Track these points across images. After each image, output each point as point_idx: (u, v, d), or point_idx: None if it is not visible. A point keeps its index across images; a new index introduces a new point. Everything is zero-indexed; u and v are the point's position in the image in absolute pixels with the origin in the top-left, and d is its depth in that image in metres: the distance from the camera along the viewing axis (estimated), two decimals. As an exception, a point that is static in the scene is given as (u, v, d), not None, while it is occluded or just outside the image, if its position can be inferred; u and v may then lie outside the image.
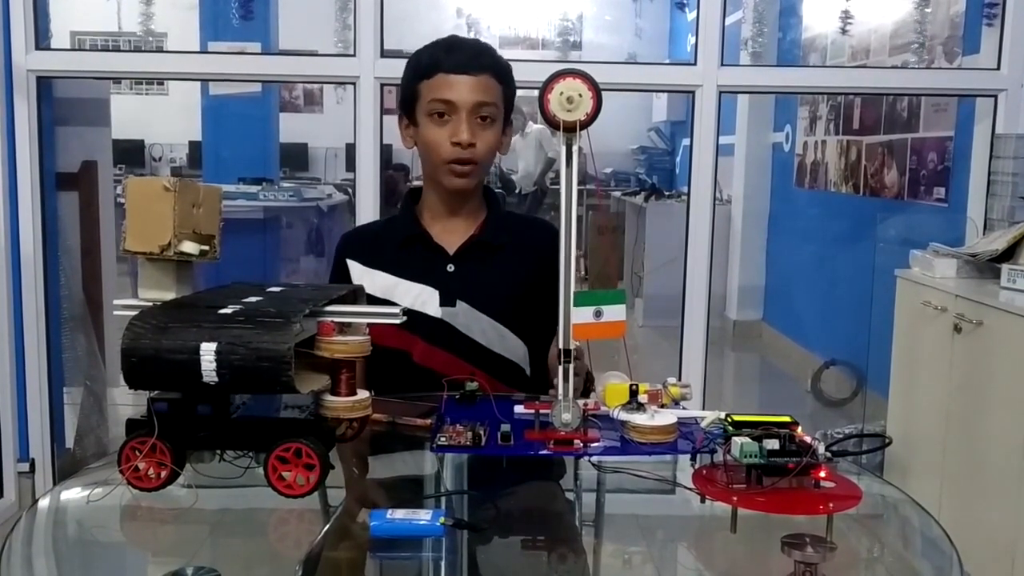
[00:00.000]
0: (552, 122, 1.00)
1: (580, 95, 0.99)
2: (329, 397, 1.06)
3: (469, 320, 1.55)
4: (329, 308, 1.07)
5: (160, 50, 3.01)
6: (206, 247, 1.10)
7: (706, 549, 1.09)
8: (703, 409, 2.89)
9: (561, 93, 1.00)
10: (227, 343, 0.93)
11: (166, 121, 8.64)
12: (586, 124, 1.00)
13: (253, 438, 1.02)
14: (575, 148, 1.02)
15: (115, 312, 1.08)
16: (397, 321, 1.08)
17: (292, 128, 7.97)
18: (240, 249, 5.32)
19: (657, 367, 3.00)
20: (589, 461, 1.11)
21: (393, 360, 1.55)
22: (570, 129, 1.00)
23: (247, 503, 1.15)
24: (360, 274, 1.60)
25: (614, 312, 1.05)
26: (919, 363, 2.82)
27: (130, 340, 0.94)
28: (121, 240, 1.06)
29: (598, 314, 1.04)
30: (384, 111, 2.80)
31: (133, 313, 1.00)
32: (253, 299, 1.05)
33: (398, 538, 0.93)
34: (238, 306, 1.00)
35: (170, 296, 1.08)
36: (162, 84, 8.83)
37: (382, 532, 0.92)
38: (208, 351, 0.93)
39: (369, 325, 1.58)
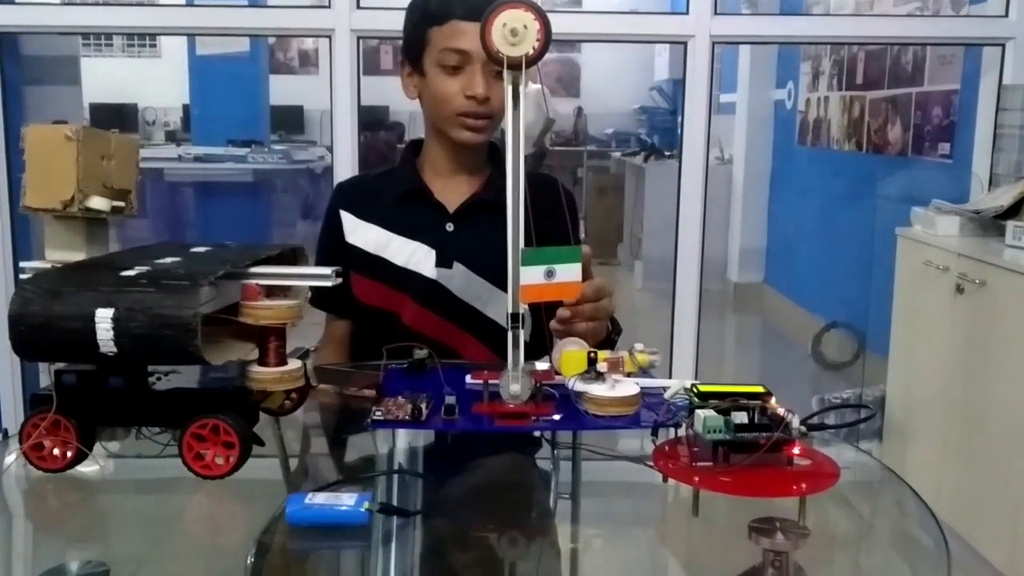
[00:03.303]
0: (495, 58, 0.89)
1: (525, 27, 0.88)
2: (256, 368, 0.96)
3: (465, 283, 1.45)
4: (253, 269, 0.97)
5: (129, 5, 2.88)
6: (121, 203, 1.00)
7: (668, 534, 0.99)
8: (695, 377, 2.80)
9: (504, 24, 0.88)
10: (126, 309, 0.83)
11: (161, 84, 8.49)
12: (532, 61, 0.89)
13: (168, 413, 0.93)
14: (522, 88, 0.91)
15: (21, 276, 0.98)
16: (328, 283, 0.98)
17: (287, 90, 7.82)
18: (229, 213, 5.23)
19: (657, 331, 2.90)
20: (542, 437, 1.01)
21: (382, 322, 1.45)
22: (515, 66, 0.89)
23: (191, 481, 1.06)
24: (353, 227, 1.50)
25: (568, 272, 0.95)
26: (920, 324, 2.71)
27: (18, 306, 0.84)
28: (21, 195, 0.96)
29: (550, 274, 0.94)
30: (381, 70, 2.68)
31: (34, 276, 0.91)
32: (168, 260, 0.95)
33: (316, 526, 0.83)
34: (145, 268, 0.90)
35: (80, 257, 0.98)
36: (155, 46, 8.68)
37: (298, 519, 0.82)
38: (104, 318, 0.83)
39: (356, 282, 1.49)
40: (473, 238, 1.45)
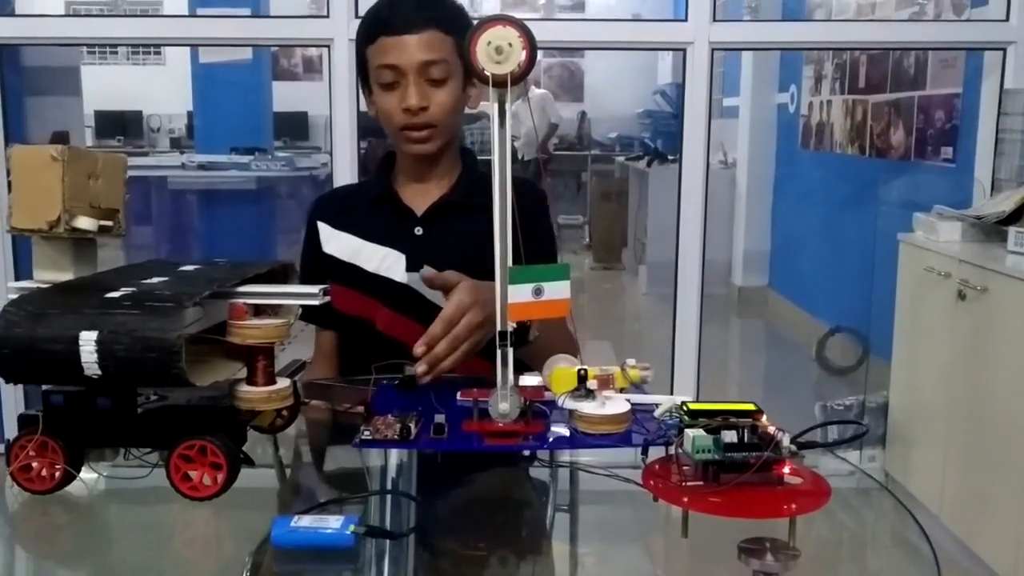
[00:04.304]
0: (480, 76, 0.89)
1: (510, 44, 0.87)
2: (244, 387, 0.96)
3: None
4: (241, 288, 0.96)
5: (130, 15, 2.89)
6: (108, 222, 1.00)
7: (658, 553, 0.99)
8: (697, 383, 2.77)
9: (489, 43, 0.87)
10: (109, 331, 0.82)
11: (165, 91, 8.51)
12: (518, 78, 0.88)
13: (155, 434, 0.92)
14: (508, 105, 0.90)
15: (9, 295, 0.98)
16: (316, 302, 0.97)
17: (291, 96, 7.83)
18: (232, 221, 5.23)
19: (660, 336, 2.89)
20: (535, 456, 1.01)
21: (356, 328, 1.46)
22: (500, 83, 0.88)
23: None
24: (328, 236, 1.51)
25: (557, 289, 0.94)
26: (922, 331, 2.70)
27: (2, 329, 0.84)
28: (7, 216, 0.96)
29: (538, 292, 0.93)
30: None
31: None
32: (155, 280, 0.95)
33: (302, 549, 0.83)
34: (130, 289, 0.89)
35: (67, 277, 0.98)
36: (159, 53, 8.71)
37: (283, 543, 0.82)
38: (88, 340, 0.82)
39: (333, 291, 1.49)
40: (442, 241, 1.46)
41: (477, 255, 1.41)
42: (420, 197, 1.49)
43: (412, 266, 1.45)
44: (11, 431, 2.91)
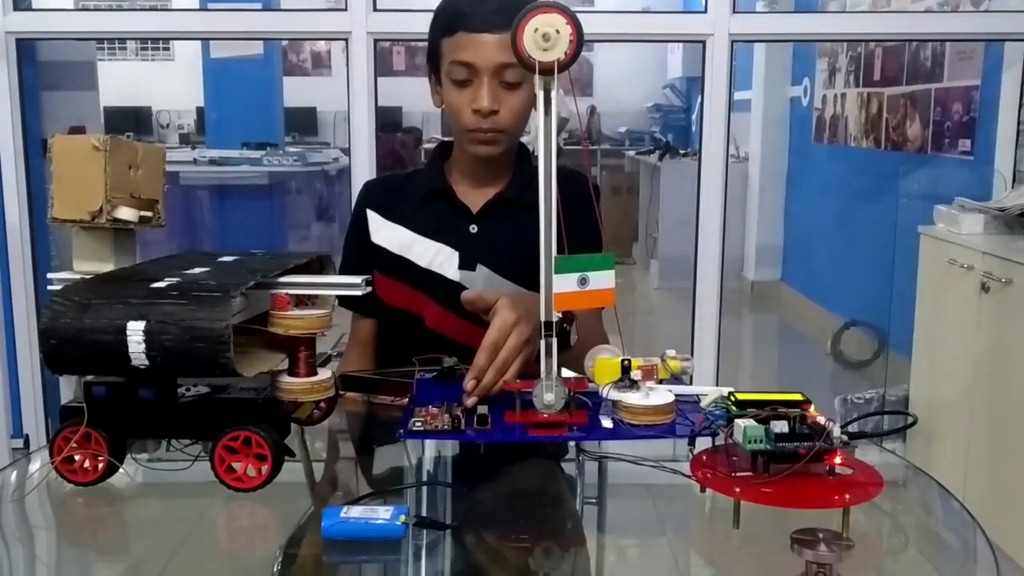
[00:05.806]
0: (527, 63, 0.88)
1: (558, 31, 0.86)
2: (286, 378, 0.96)
3: (490, 286, 1.42)
4: (282, 279, 0.96)
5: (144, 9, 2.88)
6: (148, 213, 0.99)
7: (706, 546, 0.98)
8: (716, 377, 2.75)
9: (536, 30, 0.87)
10: (157, 321, 0.82)
11: (174, 87, 8.50)
12: (565, 65, 0.88)
13: (198, 425, 0.92)
14: (553, 93, 0.89)
15: (49, 287, 0.97)
16: (359, 293, 0.97)
17: (301, 92, 7.81)
18: (244, 215, 5.23)
19: (673, 330, 2.88)
20: (577, 447, 1.00)
21: (404, 323, 1.44)
22: (547, 71, 0.88)
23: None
24: (378, 226, 1.48)
25: (602, 279, 0.93)
26: (944, 324, 2.69)
27: (49, 319, 0.83)
28: (48, 207, 0.95)
29: (583, 281, 0.92)
30: (394, 71, 2.67)
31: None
32: (197, 270, 0.94)
33: (353, 540, 0.82)
34: (175, 279, 0.89)
35: (108, 268, 0.97)
36: (168, 49, 8.70)
37: (334, 533, 0.81)
38: (136, 330, 0.82)
39: (380, 282, 1.48)
40: (496, 239, 1.44)
41: (531, 252, 1.39)
42: (475, 194, 1.46)
43: (465, 264, 1.43)
44: (29, 425, 2.88)
